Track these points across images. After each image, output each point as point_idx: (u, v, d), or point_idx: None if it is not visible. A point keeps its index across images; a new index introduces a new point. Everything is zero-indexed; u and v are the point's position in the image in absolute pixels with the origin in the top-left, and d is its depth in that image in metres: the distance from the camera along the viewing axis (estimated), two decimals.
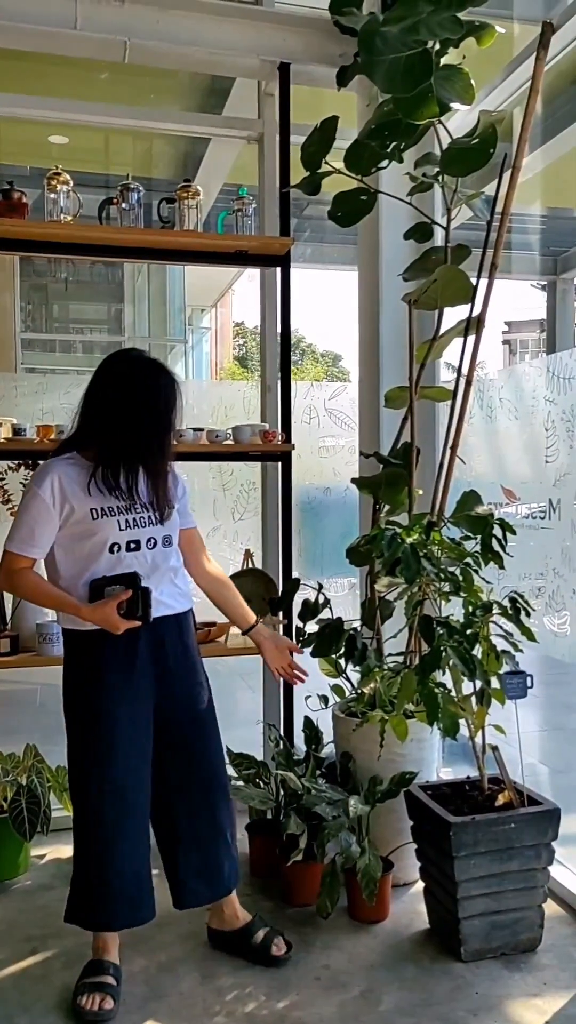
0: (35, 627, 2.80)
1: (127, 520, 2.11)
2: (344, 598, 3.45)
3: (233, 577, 3.06)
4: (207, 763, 2.26)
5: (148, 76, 3.42)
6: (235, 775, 2.85)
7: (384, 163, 2.79)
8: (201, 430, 3.00)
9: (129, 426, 2.08)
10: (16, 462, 2.93)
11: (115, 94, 3.42)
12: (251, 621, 2.45)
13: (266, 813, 2.78)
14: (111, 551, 2.10)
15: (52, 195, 2.84)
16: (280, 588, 3.08)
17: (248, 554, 3.16)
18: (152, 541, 2.15)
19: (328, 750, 2.88)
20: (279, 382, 3.14)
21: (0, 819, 2.72)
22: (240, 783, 2.79)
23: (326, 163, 2.79)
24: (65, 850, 2.96)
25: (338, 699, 2.91)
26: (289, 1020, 2.08)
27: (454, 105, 2.54)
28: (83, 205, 2.90)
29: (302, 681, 2.51)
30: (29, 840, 2.72)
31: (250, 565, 3.15)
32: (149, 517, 2.14)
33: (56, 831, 2.84)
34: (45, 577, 2.17)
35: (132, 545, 2.12)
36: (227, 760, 2.82)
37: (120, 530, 2.10)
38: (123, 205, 2.90)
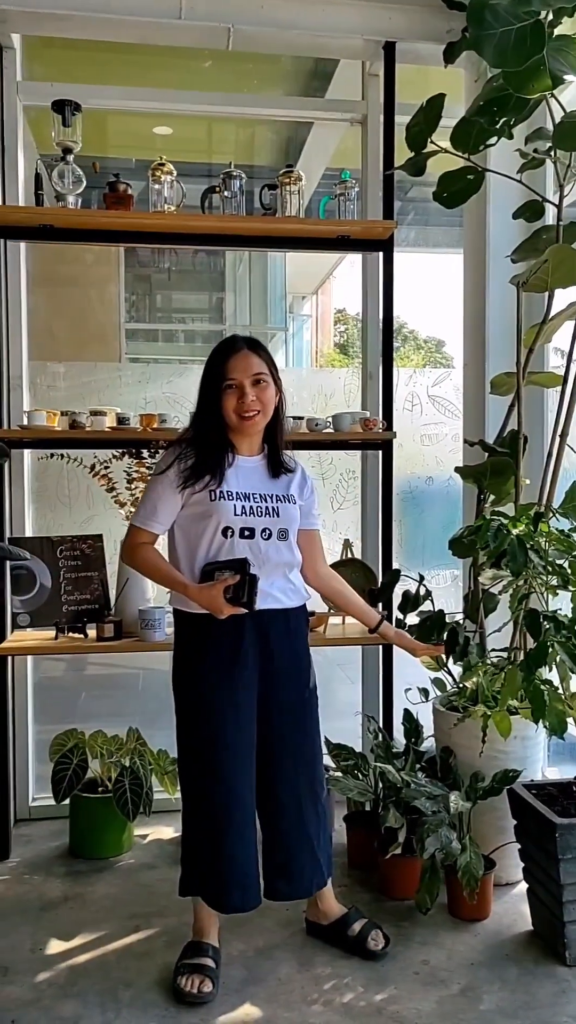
0: (138, 613, 2.86)
1: (244, 507, 2.11)
2: (446, 590, 3.38)
3: (332, 567, 3.05)
4: (299, 764, 2.23)
5: (251, 62, 3.41)
6: (333, 766, 2.85)
7: (493, 140, 2.70)
8: (301, 418, 2.99)
9: (203, 413, 2.16)
10: (120, 451, 2.99)
11: (218, 82, 3.43)
12: (377, 618, 2.45)
13: (364, 805, 2.76)
14: (224, 535, 2.10)
15: (156, 186, 2.87)
16: (380, 579, 3.05)
17: (347, 544, 3.14)
18: (267, 532, 2.13)
19: (428, 744, 2.84)
20: (381, 369, 3.10)
21: (104, 798, 2.81)
22: (338, 774, 2.78)
23: (432, 143, 2.72)
24: (166, 831, 3.02)
25: (439, 693, 2.86)
26: (386, 1013, 2.07)
27: (567, 77, 2.43)
28: (186, 195, 2.92)
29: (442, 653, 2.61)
30: (132, 820, 2.80)
31: (349, 555, 3.12)
32: (267, 508, 2.14)
33: (157, 812, 2.92)
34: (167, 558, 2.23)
35: (246, 532, 2.11)
36: (325, 751, 2.82)
37: (235, 515, 2.10)
38: (225, 193, 2.90)
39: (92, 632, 2.88)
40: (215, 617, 2.09)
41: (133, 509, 2.94)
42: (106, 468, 2.99)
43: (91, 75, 3.38)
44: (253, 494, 2.14)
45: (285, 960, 2.29)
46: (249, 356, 2.13)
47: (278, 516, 2.15)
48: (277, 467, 2.21)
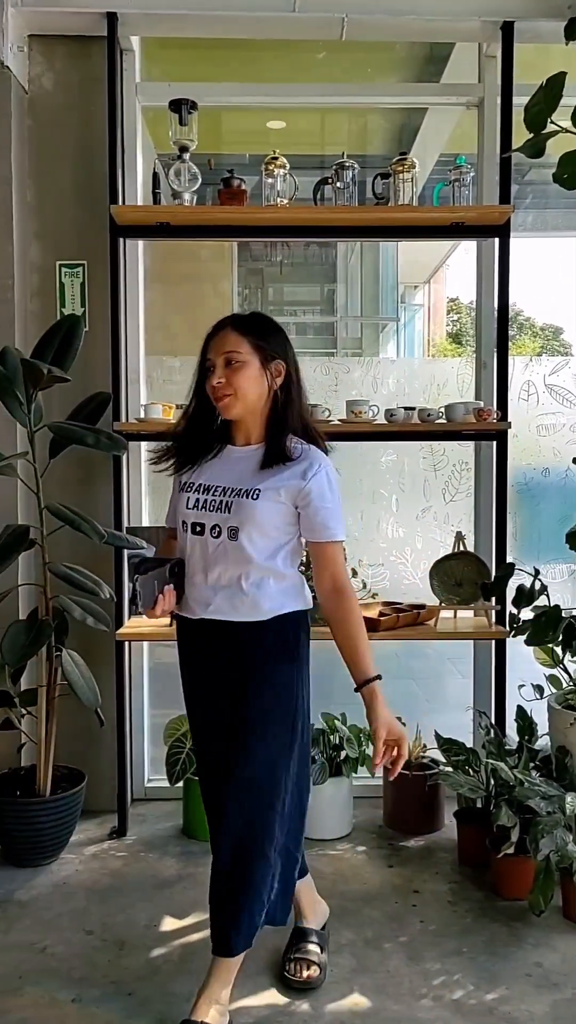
0: None
1: (198, 500, 1.92)
2: (563, 585, 3.28)
3: (444, 560, 3.02)
4: (244, 800, 1.91)
5: (364, 51, 3.39)
6: (443, 760, 2.82)
7: None
8: (412, 409, 2.96)
9: (190, 398, 2.00)
10: None
11: (332, 73, 3.42)
12: (365, 674, 1.86)
13: (475, 802, 2.71)
14: (183, 528, 1.95)
15: (269, 180, 2.89)
16: (493, 572, 2.98)
17: (460, 536, 3.09)
18: (216, 529, 1.88)
19: (543, 742, 2.77)
20: (495, 358, 3.03)
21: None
22: (448, 769, 2.75)
23: (552, 123, 2.63)
24: None
25: (554, 690, 2.79)
26: (498, 1014, 2.03)
27: None
28: (299, 187, 2.93)
29: (391, 774, 1.92)
30: None
31: (462, 548, 3.07)
32: (220, 502, 1.89)
33: None
34: None
35: (197, 528, 1.91)
36: (434, 745, 2.79)
37: (188, 508, 1.93)
38: (338, 184, 2.90)
39: None
40: (180, 621, 2.01)
41: None
42: None
43: (206, 73, 3.44)
44: (215, 487, 1.91)
45: (394, 952, 2.28)
46: (227, 334, 1.90)
47: (229, 512, 1.86)
48: (270, 457, 1.89)
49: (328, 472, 1.91)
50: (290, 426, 1.93)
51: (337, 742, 2.94)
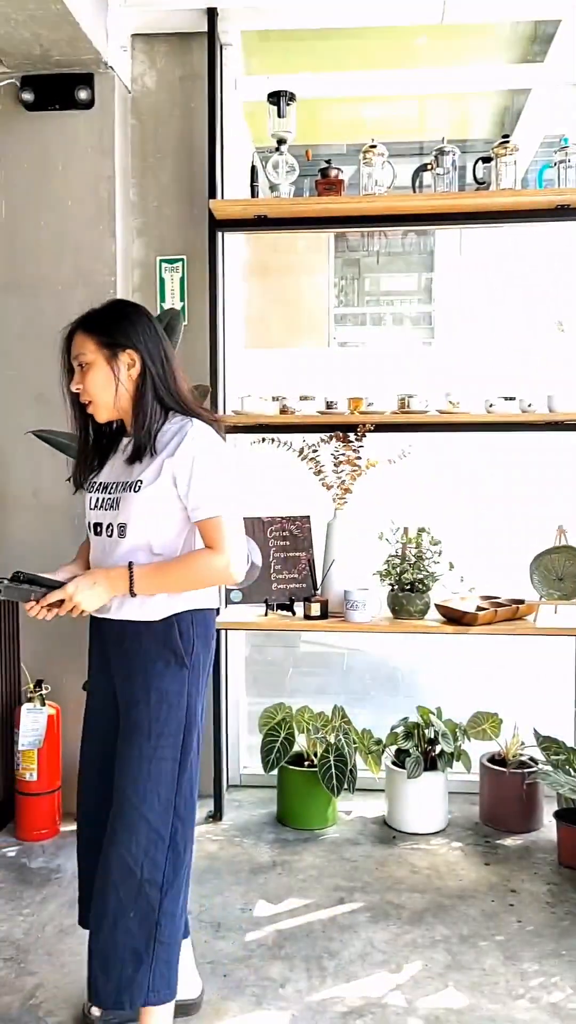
0: (343, 593, 2.90)
1: (98, 499, 1.84)
2: None
3: (544, 553, 2.95)
4: (116, 823, 1.77)
5: (464, 35, 3.31)
6: (542, 759, 2.76)
7: None
8: (512, 399, 2.89)
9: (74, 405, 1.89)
10: (328, 435, 3.03)
11: (432, 58, 3.36)
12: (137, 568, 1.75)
13: None
14: (89, 529, 1.87)
15: (367, 168, 2.87)
16: None
17: (561, 530, 3.00)
18: (109, 528, 1.80)
19: None
20: None
21: (310, 772, 2.89)
22: (548, 768, 2.69)
23: None
24: (370, 809, 3.06)
25: None
26: None
27: None
28: (396, 175, 2.90)
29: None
30: (337, 796, 2.86)
31: (563, 541, 2.99)
32: (112, 500, 1.81)
33: (361, 790, 2.96)
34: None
35: (97, 528, 1.84)
36: (534, 742, 2.73)
37: (90, 508, 1.86)
38: (437, 170, 2.85)
39: (299, 611, 2.96)
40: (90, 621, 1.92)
41: (339, 492, 2.99)
42: (314, 452, 3.05)
43: (305, 64, 3.43)
44: (110, 483, 1.83)
45: (490, 951, 2.25)
46: (75, 336, 1.80)
47: (117, 508, 1.78)
48: (135, 451, 1.78)
49: (197, 445, 1.74)
50: (147, 417, 1.77)
51: (432, 736, 2.92)
